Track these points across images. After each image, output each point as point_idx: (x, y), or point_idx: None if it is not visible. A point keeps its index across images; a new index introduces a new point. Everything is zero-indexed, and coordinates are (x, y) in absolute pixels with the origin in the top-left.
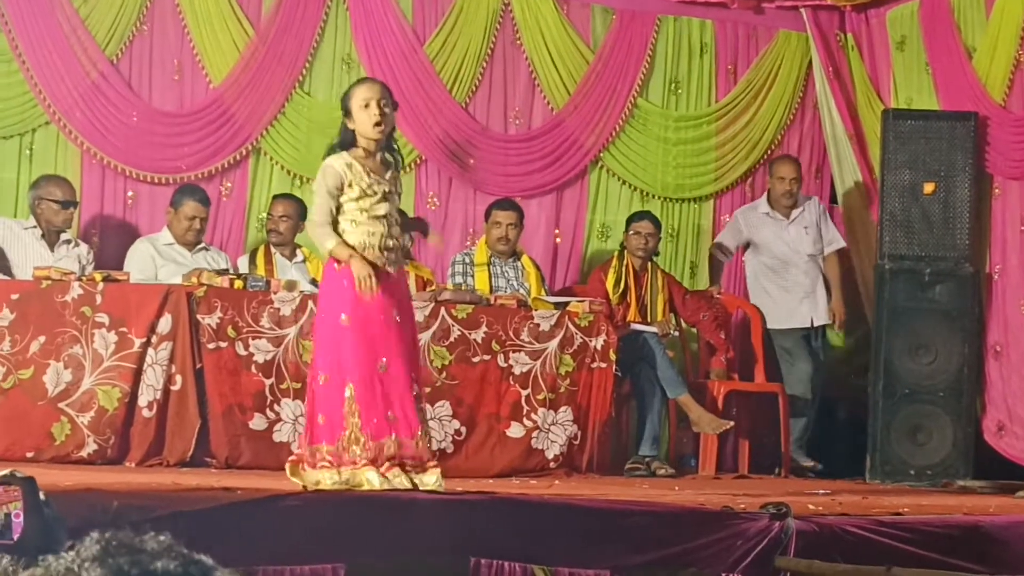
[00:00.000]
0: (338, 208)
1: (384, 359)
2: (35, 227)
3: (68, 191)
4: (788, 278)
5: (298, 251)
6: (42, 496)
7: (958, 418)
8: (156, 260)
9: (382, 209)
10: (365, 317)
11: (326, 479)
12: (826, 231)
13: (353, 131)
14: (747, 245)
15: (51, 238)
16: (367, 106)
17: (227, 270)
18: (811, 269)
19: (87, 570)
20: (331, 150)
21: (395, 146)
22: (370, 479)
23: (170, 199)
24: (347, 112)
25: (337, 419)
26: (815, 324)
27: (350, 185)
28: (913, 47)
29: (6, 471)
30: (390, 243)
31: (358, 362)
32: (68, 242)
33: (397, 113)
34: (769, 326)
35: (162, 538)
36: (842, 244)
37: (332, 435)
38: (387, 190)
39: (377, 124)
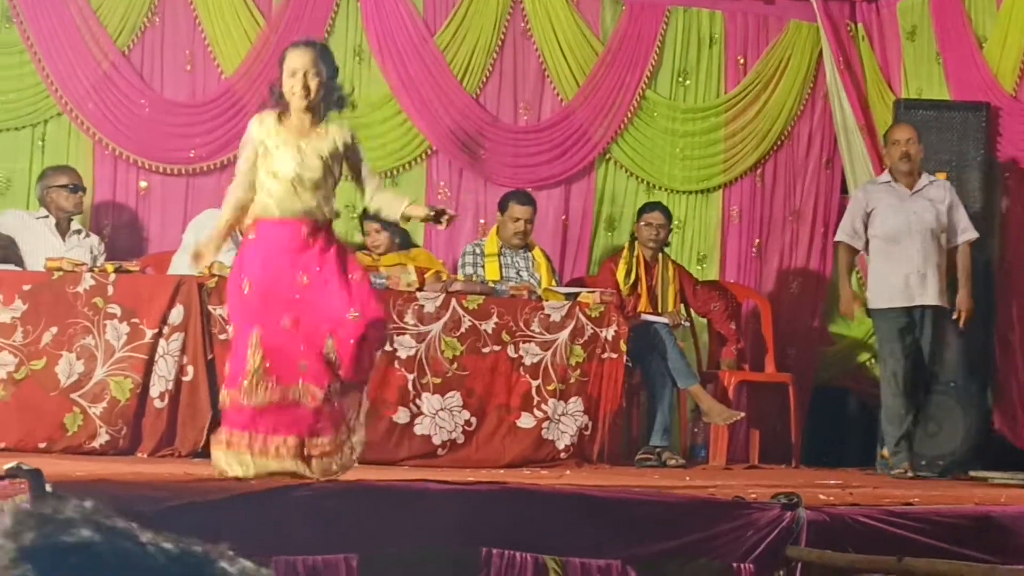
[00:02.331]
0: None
1: (287, 318)
2: (47, 217)
3: (74, 176)
4: (898, 252)
5: None
6: (48, 488)
7: (969, 408)
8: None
9: (288, 170)
10: (268, 279)
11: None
12: (958, 217)
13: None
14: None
15: (63, 227)
16: (293, 75)
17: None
18: (927, 247)
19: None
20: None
21: (342, 101)
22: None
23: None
24: (280, 73)
25: (241, 362)
26: (921, 304)
27: (259, 143)
28: (924, 37)
29: (13, 463)
30: (296, 206)
31: (265, 315)
32: (79, 232)
33: (408, 103)
34: (870, 306)
35: (87, 504)
36: (975, 235)
37: (234, 380)
38: (299, 149)
39: (300, 96)
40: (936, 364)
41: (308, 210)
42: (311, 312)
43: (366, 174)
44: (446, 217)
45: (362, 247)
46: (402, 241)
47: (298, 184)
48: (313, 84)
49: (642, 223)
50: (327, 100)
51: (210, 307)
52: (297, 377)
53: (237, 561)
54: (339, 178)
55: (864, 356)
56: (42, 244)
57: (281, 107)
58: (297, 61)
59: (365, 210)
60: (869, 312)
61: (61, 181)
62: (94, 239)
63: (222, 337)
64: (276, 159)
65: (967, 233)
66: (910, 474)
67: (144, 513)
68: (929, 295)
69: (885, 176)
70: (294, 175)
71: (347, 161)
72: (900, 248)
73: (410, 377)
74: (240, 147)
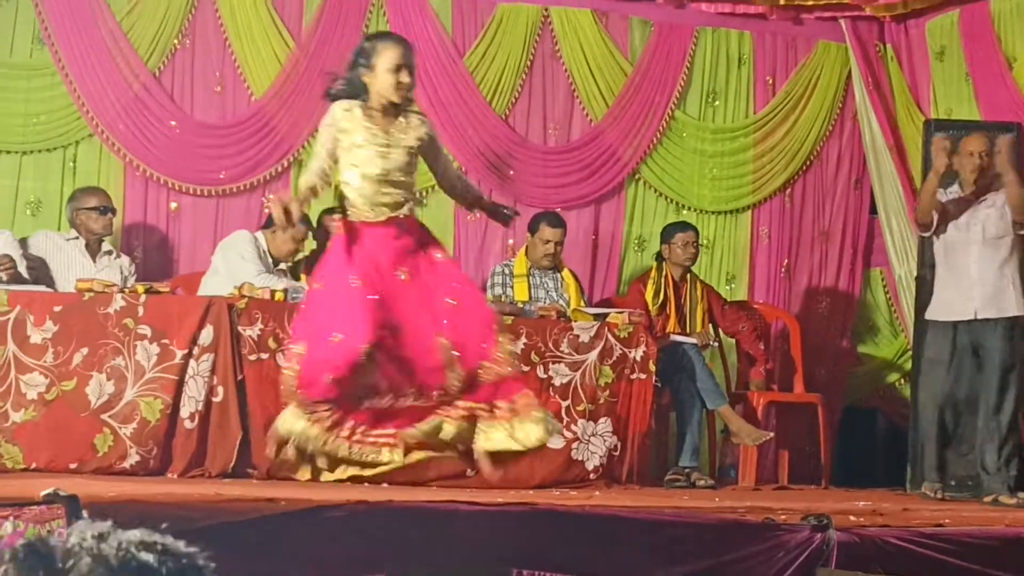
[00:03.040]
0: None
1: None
2: (77, 238)
3: (104, 198)
4: (956, 263)
5: None
6: (85, 515)
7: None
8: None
9: (375, 168)
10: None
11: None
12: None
13: (365, 83)
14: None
15: (93, 249)
16: (397, 70)
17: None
18: (986, 256)
19: None
20: (332, 96)
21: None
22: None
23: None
24: (369, 66)
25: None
26: (978, 316)
27: (344, 132)
28: (953, 57)
29: (50, 489)
30: (386, 204)
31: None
32: (109, 253)
33: (437, 123)
34: (927, 316)
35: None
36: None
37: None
38: (384, 145)
39: (404, 90)
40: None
41: (397, 206)
42: (418, 314)
43: (444, 167)
44: (503, 216)
45: None
46: None
47: (385, 182)
48: (411, 80)
49: (673, 242)
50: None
51: (240, 328)
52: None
53: None
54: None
55: (894, 376)
56: (73, 266)
57: (361, 99)
58: (400, 56)
59: None
60: (925, 328)
61: (91, 203)
62: (124, 260)
63: (252, 358)
64: (362, 157)
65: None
66: (940, 495)
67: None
68: (987, 305)
69: (955, 186)
70: (382, 172)
71: (426, 154)
72: (957, 259)
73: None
74: (324, 128)
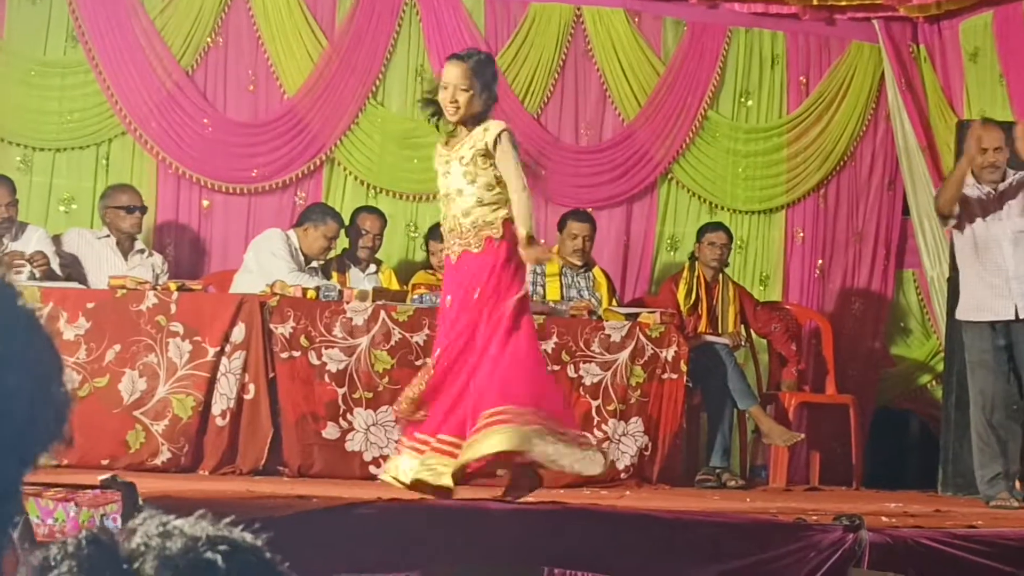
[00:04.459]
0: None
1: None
2: (108, 236)
3: (134, 197)
4: (987, 260)
5: (371, 263)
6: (140, 502)
7: None
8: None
9: (443, 187)
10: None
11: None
12: None
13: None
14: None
15: (124, 247)
16: (446, 88)
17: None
18: (1020, 251)
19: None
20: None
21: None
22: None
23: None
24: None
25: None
26: (1020, 316)
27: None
28: (987, 58)
29: (108, 475)
30: (451, 224)
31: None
32: (142, 251)
33: None
34: (958, 316)
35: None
36: None
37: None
38: (445, 162)
39: (450, 112)
40: None
41: (468, 224)
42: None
43: (507, 176)
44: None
45: (426, 265)
46: None
47: (449, 200)
48: (462, 99)
49: (703, 243)
50: (485, 109)
51: (272, 325)
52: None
53: None
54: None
55: (926, 378)
56: (104, 263)
57: (436, 117)
58: (447, 75)
59: (430, 229)
60: (959, 328)
61: (120, 202)
62: (157, 258)
63: (283, 356)
64: (440, 182)
65: None
66: (1015, 503)
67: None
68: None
69: (969, 178)
70: (446, 191)
71: (494, 160)
72: (990, 256)
73: None
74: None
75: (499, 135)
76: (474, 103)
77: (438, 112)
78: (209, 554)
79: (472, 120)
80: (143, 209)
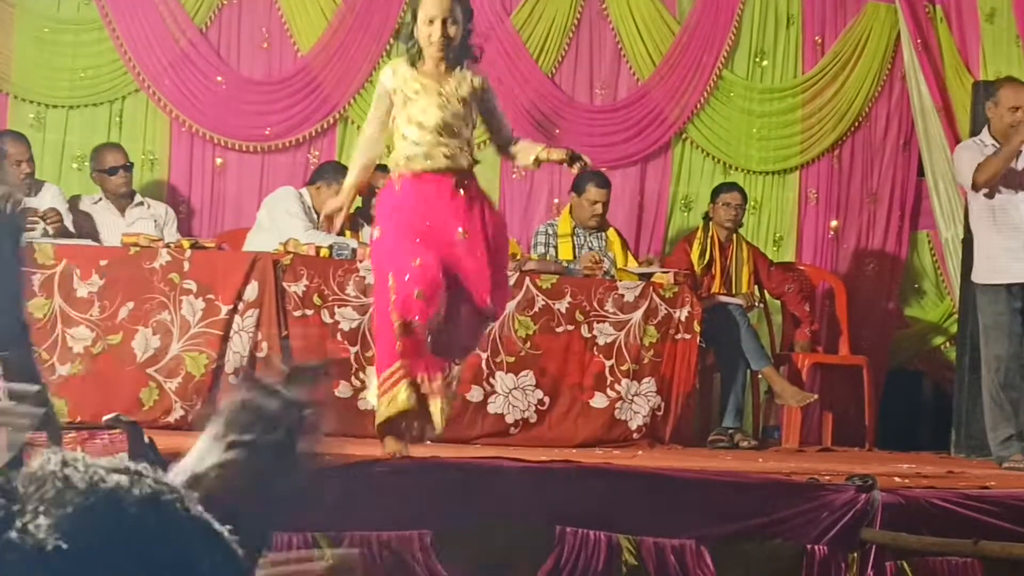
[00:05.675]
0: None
1: (418, 259)
2: (101, 200)
3: (117, 156)
4: (1003, 223)
5: None
6: (147, 440)
7: None
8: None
9: (433, 118)
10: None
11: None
12: None
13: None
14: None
15: (121, 204)
16: (431, 22)
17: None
18: None
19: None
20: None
21: (472, 54)
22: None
23: None
24: (413, 16)
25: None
26: None
27: (395, 92)
28: (1003, 19)
29: (111, 415)
30: (444, 155)
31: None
32: (140, 204)
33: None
34: (973, 279)
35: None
36: None
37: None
38: (439, 94)
39: (436, 45)
40: None
41: (455, 158)
42: (461, 268)
43: (500, 119)
44: (579, 164)
45: None
46: None
47: (444, 131)
48: (452, 31)
49: (718, 203)
50: (463, 47)
51: (285, 283)
52: (414, 312)
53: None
54: (475, 124)
55: (939, 339)
56: (103, 225)
57: (411, 54)
58: (434, 8)
59: None
60: (974, 294)
61: (103, 164)
62: (159, 208)
63: (296, 314)
64: (418, 107)
65: None
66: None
67: None
68: None
69: (987, 138)
70: (440, 122)
71: (481, 105)
72: (1007, 217)
73: (484, 356)
74: (374, 101)
75: (485, 80)
76: (459, 36)
77: (416, 46)
78: (113, 476)
79: (453, 56)
80: (128, 167)
